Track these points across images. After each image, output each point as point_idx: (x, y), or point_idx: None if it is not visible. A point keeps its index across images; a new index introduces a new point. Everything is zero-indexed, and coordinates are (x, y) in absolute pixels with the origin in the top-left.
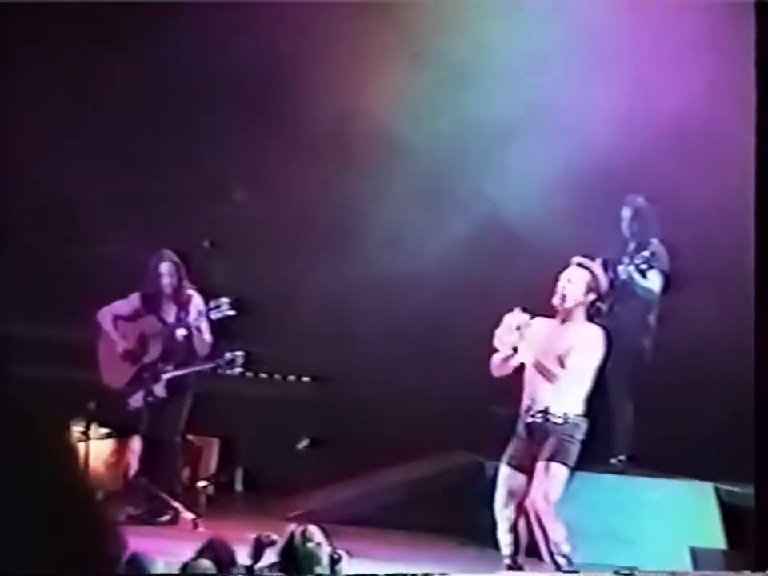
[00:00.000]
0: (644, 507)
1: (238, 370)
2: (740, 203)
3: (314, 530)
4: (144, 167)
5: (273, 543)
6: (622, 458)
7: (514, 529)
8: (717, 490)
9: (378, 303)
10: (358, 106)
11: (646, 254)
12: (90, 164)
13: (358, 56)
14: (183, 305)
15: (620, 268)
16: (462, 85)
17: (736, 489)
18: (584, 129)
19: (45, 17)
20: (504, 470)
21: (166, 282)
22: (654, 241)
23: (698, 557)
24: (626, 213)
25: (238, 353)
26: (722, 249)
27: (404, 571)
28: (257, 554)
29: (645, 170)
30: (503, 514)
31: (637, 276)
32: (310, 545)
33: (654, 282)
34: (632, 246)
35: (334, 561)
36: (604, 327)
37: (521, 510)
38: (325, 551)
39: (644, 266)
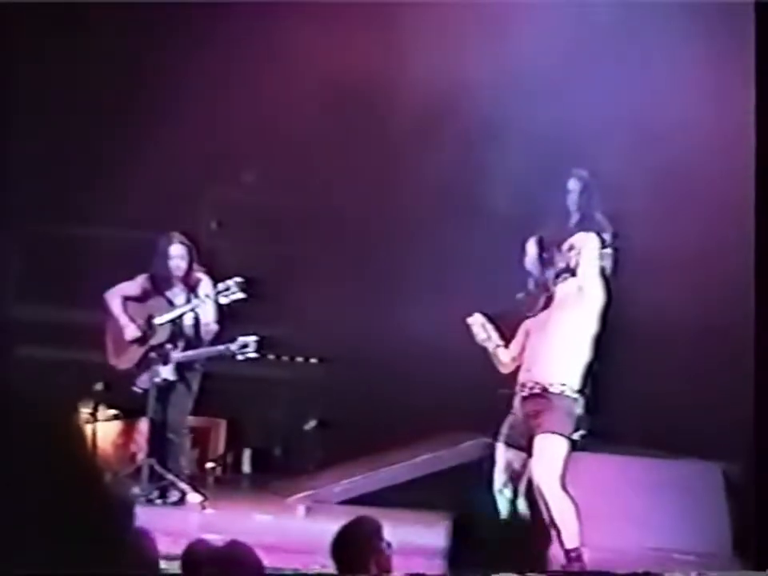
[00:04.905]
0: (652, 488)
1: (251, 354)
2: (744, 204)
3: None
4: (150, 148)
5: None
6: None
7: (513, 508)
8: (725, 471)
9: (387, 285)
10: (364, 86)
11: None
12: (95, 145)
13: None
14: (192, 288)
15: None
16: None
17: (740, 470)
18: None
19: (44, 12)
20: (501, 449)
21: (176, 264)
22: (598, 215)
23: (706, 537)
24: (573, 185)
25: (251, 337)
26: (718, 228)
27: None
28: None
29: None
30: (503, 494)
31: None
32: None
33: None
34: (576, 218)
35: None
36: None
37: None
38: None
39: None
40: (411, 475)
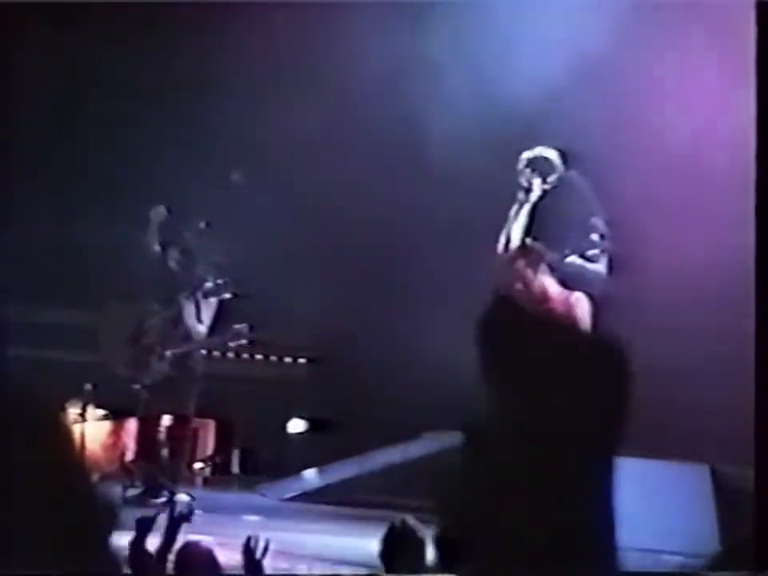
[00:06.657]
0: (640, 488)
1: (243, 341)
2: (743, 208)
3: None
4: (143, 151)
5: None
6: None
7: None
8: (713, 472)
9: (374, 285)
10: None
11: (593, 236)
12: (92, 148)
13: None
14: (185, 289)
15: (567, 260)
16: None
17: (733, 471)
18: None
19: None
20: None
21: (173, 265)
22: (596, 220)
23: (693, 538)
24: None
25: (243, 325)
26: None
27: None
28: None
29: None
30: None
31: (584, 263)
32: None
33: (601, 265)
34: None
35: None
36: (589, 294)
37: None
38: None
39: (591, 253)
40: (399, 475)
